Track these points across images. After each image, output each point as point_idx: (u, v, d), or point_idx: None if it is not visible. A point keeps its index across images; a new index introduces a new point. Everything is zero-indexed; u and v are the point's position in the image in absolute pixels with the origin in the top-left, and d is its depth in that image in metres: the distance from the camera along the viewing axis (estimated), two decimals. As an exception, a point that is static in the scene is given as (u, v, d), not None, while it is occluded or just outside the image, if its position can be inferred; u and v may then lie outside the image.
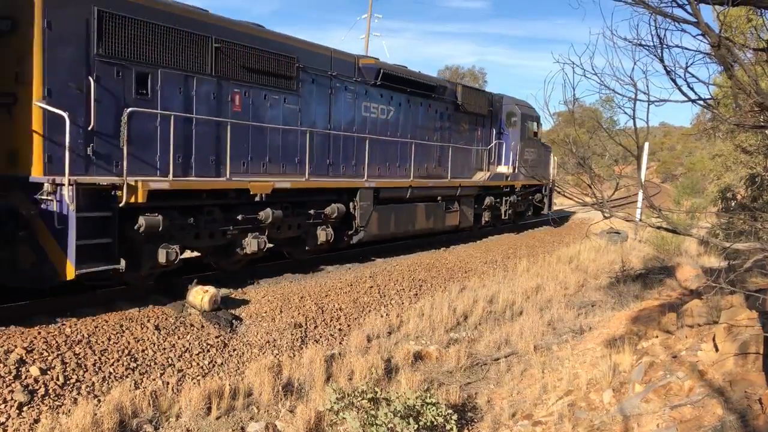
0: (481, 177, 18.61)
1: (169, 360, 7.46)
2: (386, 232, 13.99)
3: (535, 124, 21.27)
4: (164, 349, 7.61)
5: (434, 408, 6.29)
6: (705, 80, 5.03)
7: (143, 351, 7.41)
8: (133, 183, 8.27)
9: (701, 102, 4.91)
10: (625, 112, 5.10)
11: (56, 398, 6.22)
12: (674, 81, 4.72)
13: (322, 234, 12.20)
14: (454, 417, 6.36)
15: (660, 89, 7.38)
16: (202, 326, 8.39)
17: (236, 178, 10.15)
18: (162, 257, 8.83)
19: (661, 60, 4.73)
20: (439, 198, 16.16)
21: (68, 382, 6.48)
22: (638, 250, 18.81)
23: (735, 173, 21.54)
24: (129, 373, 6.97)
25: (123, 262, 8.14)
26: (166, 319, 8.29)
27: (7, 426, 5.71)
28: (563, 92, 5.34)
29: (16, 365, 6.34)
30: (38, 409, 6.00)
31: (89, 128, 8.14)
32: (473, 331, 10.45)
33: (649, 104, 5.03)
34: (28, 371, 6.35)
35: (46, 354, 6.67)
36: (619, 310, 11.27)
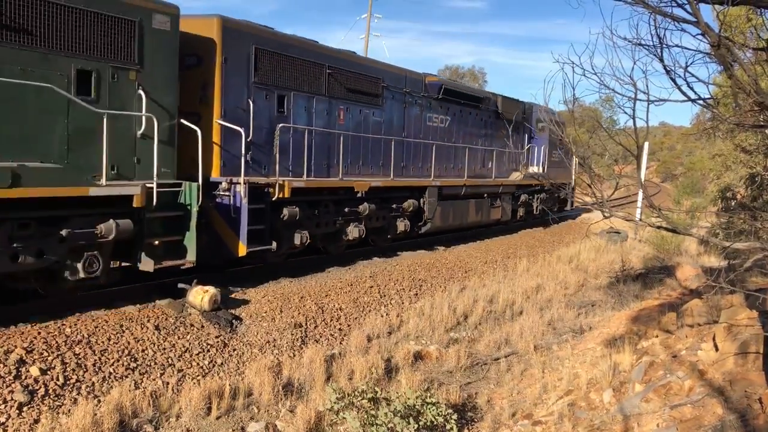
0: (517, 177, 20.83)
1: (169, 360, 7.46)
2: (446, 224, 16.53)
3: (560, 129, 22.27)
4: (164, 349, 7.60)
5: (434, 408, 6.29)
6: (705, 80, 5.03)
7: (143, 351, 7.41)
8: (281, 182, 10.77)
9: (701, 101, 4.91)
10: (625, 112, 5.10)
11: (56, 398, 6.22)
12: (674, 80, 4.71)
13: (401, 224, 14.84)
14: (454, 417, 6.36)
15: (660, 89, 7.39)
16: (202, 326, 8.38)
17: (344, 178, 12.82)
18: (297, 240, 11.42)
19: (661, 59, 4.72)
20: (485, 195, 18.53)
21: (68, 382, 6.48)
22: (638, 249, 18.81)
23: (735, 173, 21.52)
24: (129, 373, 6.96)
25: (274, 244, 10.66)
26: (166, 319, 8.28)
27: (7, 426, 5.71)
28: (563, 92, 5.34)
29: (16, 365, 6.34)
30: (38, 409, 6.00)
31: (248, 140, 10.38)
32: (473, 331, 10.45)
33: (648, 104, 5.02)
34: (28, 371, 6.35)
35: (46, 354, 6.67)
36: (619, 310, 11.27)
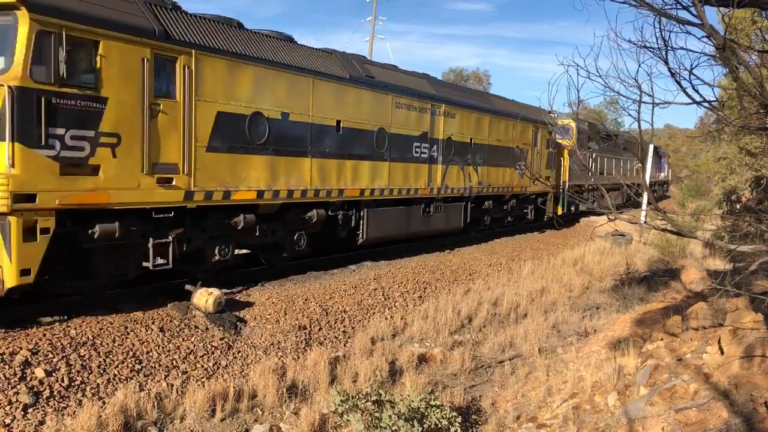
0: (662, 177, 45.96)
1: (174, 362, 7.47)
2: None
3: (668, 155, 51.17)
4: (169, 351, 7.61)
5: (438, 410, 6.28)
6: (710, 82, 5.02)
7: (148, 353, 7.42)
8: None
9: (706, 104, 4.91)
10: (630, 114, 5.14)
11: (61, 400, 6.24)
12: (679, 83, 4.71)
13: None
14: (459, 419, 6.36)
15: (664, 91, 7.42)
16: (207, 328, 8.39)
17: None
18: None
19: (666, 62, 4.72)
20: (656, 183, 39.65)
21: (73, 383, 6.49)
22: (643, 252, 18.76)
23: (740, 175, 21.47)
24: (134, 375, 6.98)
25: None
26: (170, 321, 8.30)
27: (13, 427, 5.73)
28: (568, 94, 5.42)
29: (22, 367, 6.36)
30: (43, 410, 6.02)
31: None
32: (477, 334, 10.44)
33: (653, 106, 5.03)
34: (33, 373, 6.36)
35: (51, 356, 6.69)
36: (624, 313, 11.24)
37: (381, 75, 13.54)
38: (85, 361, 6.85)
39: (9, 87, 6.90)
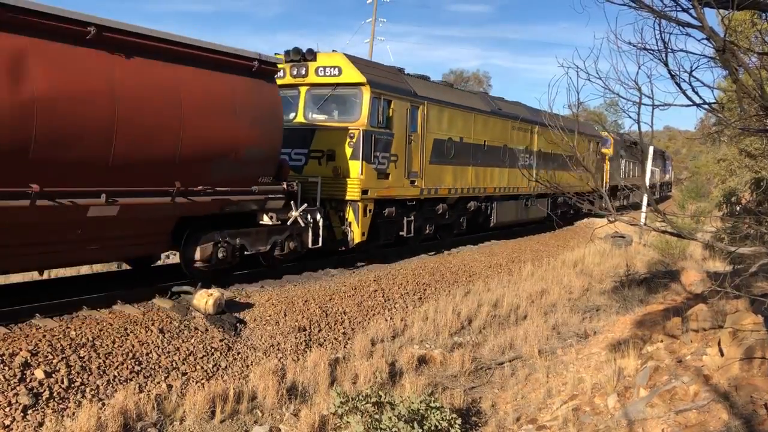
0: (667, 178, 53.95)
1: (174, 363, 7.47)
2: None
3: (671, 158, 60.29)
4: (168, 352, 7.61)
5: (438, 412, 6.28)
6: (710, 84, 5.02)
7: (147, 354, 7.41)
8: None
9: (706, 106, 4.91)
10: (630, 116, 5.18)
11: (61, 401, 6.23)
12: (679, 85, 4.71)
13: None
14: (459, 421, 6.35)
15: (664, 93, 7.42)
16: (207, 330, 8.39)
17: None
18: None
19: (666, 64, 4.72)
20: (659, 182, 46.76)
21: (73, 385, 6.49)
22: (643, 254, 18.75)
23: (740, 177, 21.47)
24: (133, 377, 6.97)
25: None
26: (170, 322, 8.29)
27: (12, 429, 5.72)
28: (567, 96, 5.45)
29: (21, 368, 6.36)
30: (43, 412, 6.01)
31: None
32: (478, 335, 10.44)
33: (653, 108, 5.04)
34: (32, 374, 6.36)
35: (50, 357, 6.69)
36: (624, 315, 11.24)
37: (502, 106, 19.64)
38: (84, 362, 6.84)
39: (361, 130, 12.54)
